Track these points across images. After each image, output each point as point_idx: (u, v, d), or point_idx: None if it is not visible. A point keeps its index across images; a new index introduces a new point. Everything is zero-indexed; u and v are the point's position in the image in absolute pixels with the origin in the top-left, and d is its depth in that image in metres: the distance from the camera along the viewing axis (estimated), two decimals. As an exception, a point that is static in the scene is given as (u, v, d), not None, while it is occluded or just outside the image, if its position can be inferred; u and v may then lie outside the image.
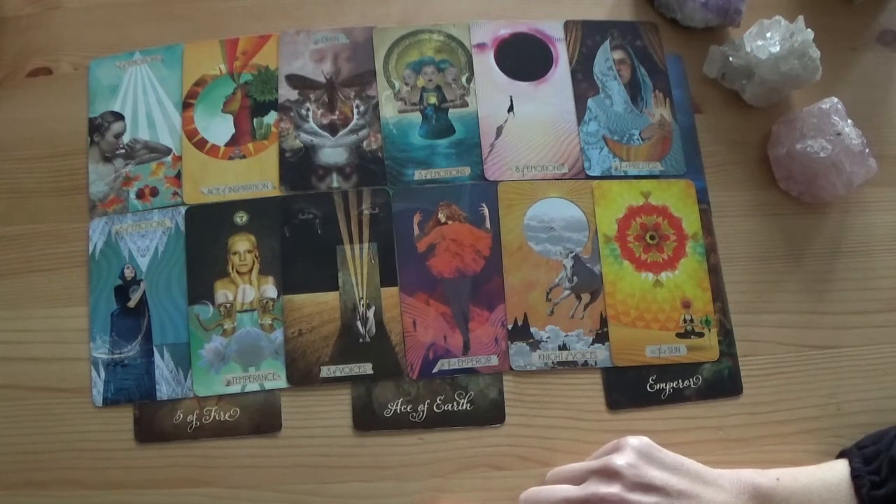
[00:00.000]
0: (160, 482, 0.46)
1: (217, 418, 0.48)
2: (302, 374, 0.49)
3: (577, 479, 0.44)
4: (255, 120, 0.54)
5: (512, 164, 0.53)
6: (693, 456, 0.45)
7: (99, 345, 0.49)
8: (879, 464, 0.43)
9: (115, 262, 0.51)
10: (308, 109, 0.54)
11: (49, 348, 0.49)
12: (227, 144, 0.53)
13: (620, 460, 0.43)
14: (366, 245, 0.51)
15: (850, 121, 0.52)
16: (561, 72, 0.56)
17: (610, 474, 0.42)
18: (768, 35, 0.53)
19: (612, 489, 0.42)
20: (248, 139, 0.54)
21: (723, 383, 0.50)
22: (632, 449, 0.44)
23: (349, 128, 0.54)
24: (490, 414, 0.48)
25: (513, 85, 0.56)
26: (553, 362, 0.49)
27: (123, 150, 0.53)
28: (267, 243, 0.51)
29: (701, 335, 0.50)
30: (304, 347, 0.49)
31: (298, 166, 0.53)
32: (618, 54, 0.57)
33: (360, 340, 0.49)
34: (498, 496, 0.46)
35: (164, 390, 0.48)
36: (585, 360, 0.49)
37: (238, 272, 0.50)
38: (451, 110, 0.55)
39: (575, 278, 0.51)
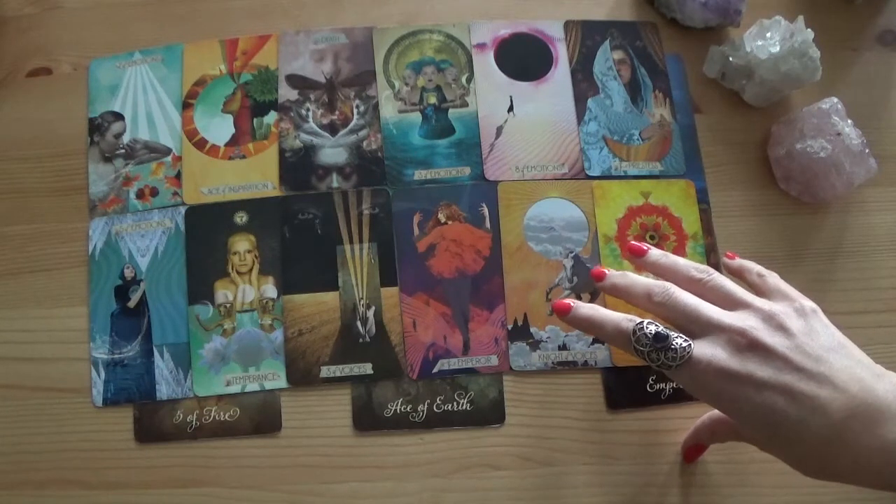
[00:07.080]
0: (160, 482, 0.46)
1: (217, 418, 0.48)
2: (302, 374, 0.49)
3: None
4: (255, 120, 0.54)
5: (512, 164, 0.53)
6: (693, 456, 0.45)
7: (99, 345, 0.49)
8: None
9: (115, 262, 0.51)
10: (308, 109, 0.54)
11: (49, 348, 0.49)
12: (227, 144, 0.53)
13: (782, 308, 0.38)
14: (366, 245, 0.51)
15: (850, 121, 0.52)
16: (561, 72, 0.56)
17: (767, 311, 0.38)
18: (768, 35, 0.53)
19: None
20: (248, 139, 0.54)
21: (723, 383, 0.50)
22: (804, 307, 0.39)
23: (349, 128, 0.54)
24: (490, 414, 0.48)
25: (513, 85, 0.56)
26: (553, 362, 0.49)
27: (123, 150, 0.53)
28: (267, 243, 0.51)
29: (701, 335, 0.50)
30: (304, 347, 0.49)
31: (298, 166, 0.53)
32: (618, 54, 0.57)
33: (360, 340, 0.49)
34: (498, 496, 0.46)
35: (164, 390, 0.48)
36: (585, 360, 0.49)
37: (238, 272, 0.50)
38: (451, 110, 0.55)
39: (575, 278, 0.51)
